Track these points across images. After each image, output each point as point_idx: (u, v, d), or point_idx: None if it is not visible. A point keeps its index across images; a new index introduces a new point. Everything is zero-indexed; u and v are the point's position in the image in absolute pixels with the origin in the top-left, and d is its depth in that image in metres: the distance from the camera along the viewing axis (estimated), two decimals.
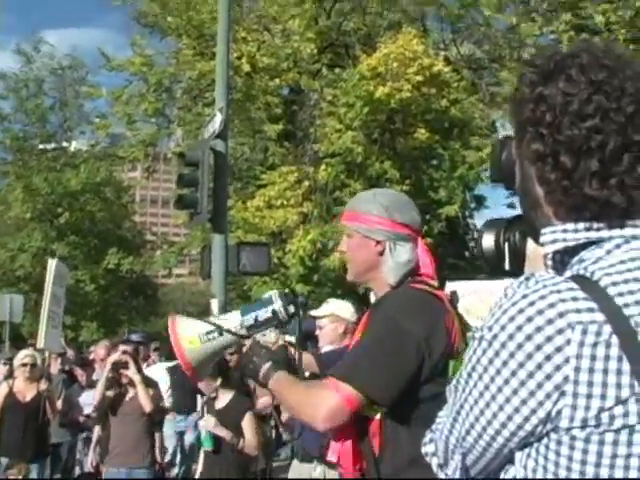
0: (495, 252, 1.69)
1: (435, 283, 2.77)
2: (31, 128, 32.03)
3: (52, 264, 9.14)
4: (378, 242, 2.75)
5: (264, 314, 2.79)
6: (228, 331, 2.78)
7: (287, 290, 2.89)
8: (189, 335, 2.79)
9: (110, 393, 7.33)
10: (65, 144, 33.57)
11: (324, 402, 2.47)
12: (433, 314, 2.60)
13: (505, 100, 20.14)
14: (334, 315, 5.81)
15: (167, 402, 9.58)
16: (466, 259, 21.64)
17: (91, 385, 10.00)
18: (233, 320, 2.82)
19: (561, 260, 1.37)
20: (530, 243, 1.57)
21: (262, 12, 21.64)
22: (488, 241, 1.70)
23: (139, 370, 7.31)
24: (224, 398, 6.28)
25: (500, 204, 20.43)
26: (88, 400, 9.69)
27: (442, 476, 1.46)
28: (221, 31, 12.89)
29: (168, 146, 26.38)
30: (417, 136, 19.05)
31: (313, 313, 6.01)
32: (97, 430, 8.65)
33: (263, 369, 2.72)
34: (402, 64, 18.32)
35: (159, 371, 10.47)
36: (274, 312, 2.79)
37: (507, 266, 1.67)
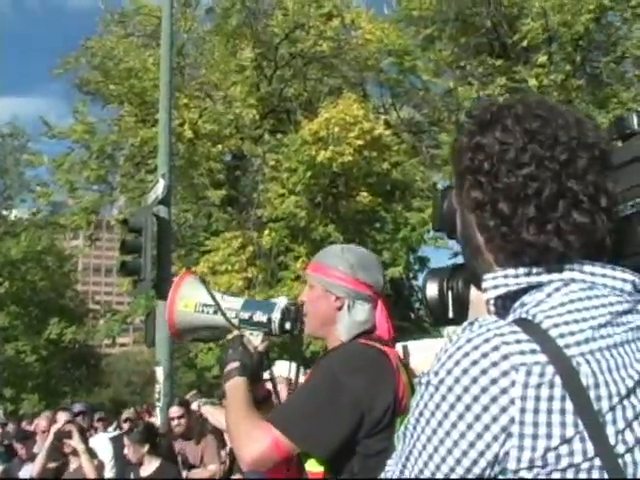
0: (439, 301, 1.69)
1: (388, 343, 2.75)
2: None
3: None
4: (338, 297, 2.72)
5: (260, 317, 2.75)
6: (223, 314, 2.76)
7: (296, 305, 2.81)
8: (187, 298, 2.80)
9: (52, 465, 7.14)
10: (5, 212, 33.16)
11: (254, 441, 2.44)
12: (376, 370, 2.58)
13: (445, 162, 20.53)
14: (281, 376, 5.77)
15: (110, 473, 9.34)
16: (411, 320, 21.70)
17: (32, 458, 9.69)
18: (232, 306, 2.79)
19: (503, 305, 1.39)
20: (473, 290, 1.59)
21: (204, 79, 21.83)
22: (432, 290, 1.71)
23: (84, 440, 7.13)
24: (150, 466, 6.18)
25: (443, 264, 20.59)
26: (28, 474, 9.42)
27: None
28: (163, 98, 12.95)
29: (111, 214, 26.17)
30: (360, 199, 19.23)
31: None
32: None
33: (230, 365, 2.69)
34: (343, 128, 18.54)
35: (102, 441, 10.22)
36: (269, 320, 2.75)
37: (451, 314, 1.67)
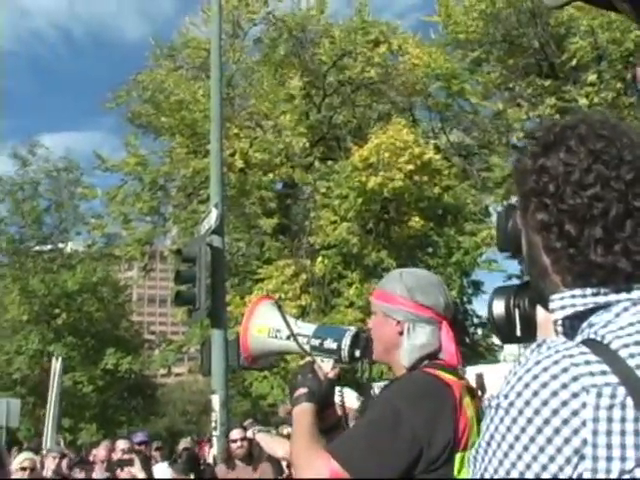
0: (506, 319, 1.67)
1: (455, 369, 2.72)
2: (27, 230, 32.23)
3: (57, 364, 9.10)
4: (398, 322, 2.72)
5: (330, 344, 2.76)
6: (295, 340, 2.77)
7: (365, 332, 2.82)
8: (261, 323, 2.81)
9: None
10: (61, 245, 33.68)
11: (313, 470, 2.42)
12: (437, 403, 2.54)
13: (497, 184, 20.41)
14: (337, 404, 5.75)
15: None
16: (467, 345, 21.52)
17: None
18: (304, 332, 2.80)
19: (571, 326, 1.38)
20: (540, 311, 1.57)
21: (253, 109, 22.04)
22: (498, 308, 1.69)
23: (147, 469, 7.14)
24: None
25: None
26: None
27: None
28: (214, 129, 13.09)
29: (164, 244, 26.49)
30: (411, 224, 19.20)
31: None
32: None
33: (299, 391, 2.69)
34: (393, 154, 18.57)
35: (163, 470, 10.26)
36: (339, 347, 2.76)
37: (518, 332, 1.66)
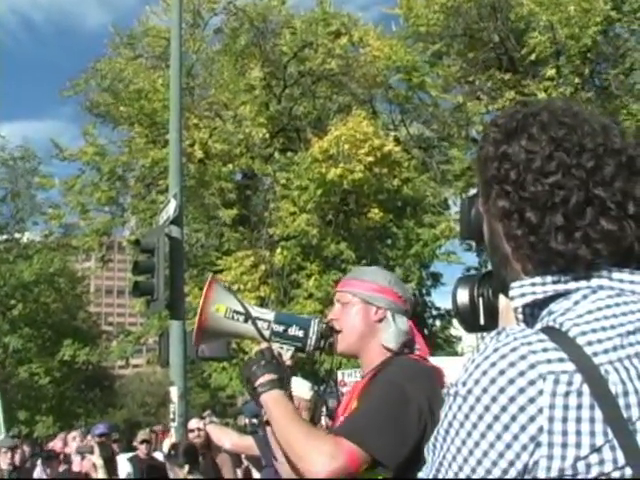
0: (470, 308, 1.68)
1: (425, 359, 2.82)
2: None
3: None
4: (379, 309, 2.78)
5: (295, 331, 2.71)
6: (254, 323, 2.70)
7: (327, 323, 2.81)
8: (219, 302, 2.72)
9: None
10: (17, 235, 33.24)
11: (328, 456, 2.39)
12: (432, 383, 2.60)
13: (456, 177, 20.54)
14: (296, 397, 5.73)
15: None
16: (425, 337, 21.64)
17: None
18: (263, 317, 2.74)
19: (531, 313, 1.38)
20: (501, 299, 1.57)
21: (213, 99, 21.92)
22: (462, 297, 1.69)
23: (109, 458, 7.10)
24: None
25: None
26: None
27: None
28: (173, 119, 13.00)
29: (122, 235, 26.27)
30: (371, 216, 19.25)
31: None
32: None
33: (264, 377, 2.60)
34: (353, 146, 18.60)
35: (121, 463, 10.21)
36: (306, 335, 2.71)
37: (482, 321, 1.66)
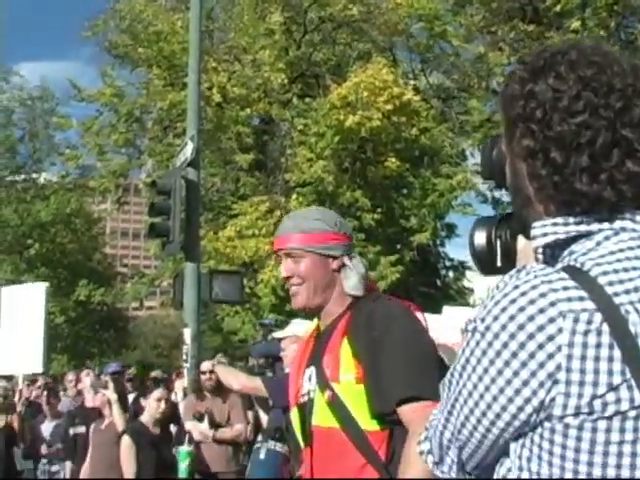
0: (487, 250, 1.67)
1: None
2: (0, 159, 31.82)
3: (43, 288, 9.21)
4: (335, 258, 2.71)
5: (281, 469, 2.85)
6: None
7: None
8: None
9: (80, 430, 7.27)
10: (35, 175, 33.35)
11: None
12: (417, 318, 2.63)
13: (475, 128, 20.38)
14: (295, 336, 5.75)
15: None
16: (437, 287, 21.70)
17: (55, 416, 9.87)
18: None
19: (551, 254, 1.38)
20: (520, 240, 1.57)
21: (232, 43, 21.74)
22: (480, 239, 1.69)
23: (122, 395, 7.21)
24: None
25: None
26: (49, 431, 9.60)
27: (438, 474, 1.45)
28: (192, 61, 12.92)
29: (139, 177, 26.32)
30: (387, 165, 19.14)
31: (277, 335, 5.98)
32: (69, 464, 8.60)
33: None
34: (372, 93, 18.44)
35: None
36: (283, 456, 2.85)
37: (499, 263, 1.65)
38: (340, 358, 2.59)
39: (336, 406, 2.56)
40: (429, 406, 2.19)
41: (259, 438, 6.40)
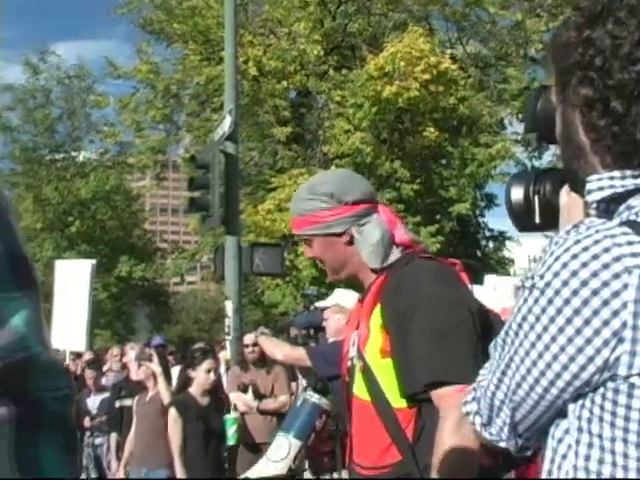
0: (524, 206, 1.61)
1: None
2: (39, 138, 32.16)
3: (89, 266, 9.33)
4: (341, 234, 2.54)
5: (312, 419, 2.87)
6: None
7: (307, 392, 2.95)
8: None
9: (127, 402, 7.36)
10: (74, 153, 33.64)
11: (454, 408, 2.10)
12: (461, 281, 2.45)
13: (513, 97, 20.16)
14: (338, 305, 5.74)
15: None
16: (478, 258, 21.59)
17: (100, 390, 10.00)
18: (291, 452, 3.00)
19: (606, 209, 1.32)
20: (563, 195, 1.50)
21: (267, 16, 21.65)
22: (517, 194, 1.61)
23: (165, 367, 7.27)
24: None
25: None
26: (95, 405, 9.72)
27: (486, 436, 1.41)
28: (228, 35, 12.90)
29: (177, 154, 26.46)
30: (426, 135, 19.03)
31: (319, 305, 5.99)
32: (114, 436, 8.70)
33: None
34: (409, 63, 18.30)
35: (175, 374, 10.47)
36: (318, 407, 2.86)
37: (537, 219, 1.59)
38: (370, 327, 2.47)
39: (368, 377, 2.45)
40: (459, 391, 2.10)
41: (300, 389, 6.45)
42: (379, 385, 2.41)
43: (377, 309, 2.45)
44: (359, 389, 2.50)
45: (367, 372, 2.45)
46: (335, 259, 2.59)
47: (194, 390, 6.36)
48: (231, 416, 6.39)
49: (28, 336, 1.21)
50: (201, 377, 6.35)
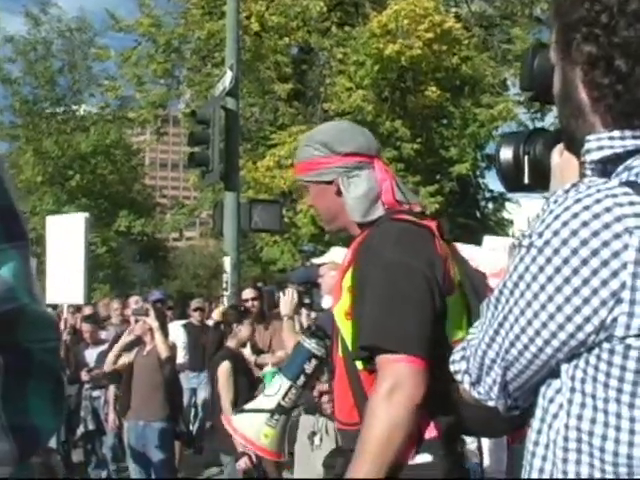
0: (514, 165, 1.59)
1: (416, 209, 2.54)
2: (40, 91, 31.91)
3: (82, 219, 9.33)
4: (330, 182, 2.55)
5: (309, 365, 2.95)
6: (289, 405, 3.01)
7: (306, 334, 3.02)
8: (259, 430, 2.98)
9: (125, 358, 7.39)
10: (75, 107, 33.42)
11: (392, 376, 2.18)
12: (427, 245, 2.38)
13: (517, 57, 20.01)
14: (333, 262, 5.74)
15: (182, 359, 9.62)
16: (477, 219, 21.59)
17: (96, 343, 10.04)
18: (281, 389, 3.02)
19: (602, 170, 1.30)
20: (555, 156, 1.49)
21: None
22: (506, 154, 1.60)
23: (162, 322, 7.30)
24: None
25: None
26: (92, 358, 9.78)
27: (475, 394, 1.41)
28: None
29: (177, 109, 26.31)
30: (428, 94, 18.93)
31: (315, 261, 6.00)
32: (112, 389, 8.76)
33: None
34: (412, 21, 18.16)
35: (175, 329, 10.51)
36: (314, 356, 2.93)
37: (526, 180, 1.57)
38: (342, 288, 2.47)
39: (340, 335, 2.45)
40: (397, 360, 2.16)
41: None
42: (347, 346, 2.41)
43: (350, 270, 2.45)
44: (337, 346, 2.52)
45: (339, 332, 2.46)
46: (327, 209, 2.63)
47: (234, 345, 6.45)
48: (269, 369, 6.41)
49: (16, 287, 1.22)
50: (245, 333, 6.46)
